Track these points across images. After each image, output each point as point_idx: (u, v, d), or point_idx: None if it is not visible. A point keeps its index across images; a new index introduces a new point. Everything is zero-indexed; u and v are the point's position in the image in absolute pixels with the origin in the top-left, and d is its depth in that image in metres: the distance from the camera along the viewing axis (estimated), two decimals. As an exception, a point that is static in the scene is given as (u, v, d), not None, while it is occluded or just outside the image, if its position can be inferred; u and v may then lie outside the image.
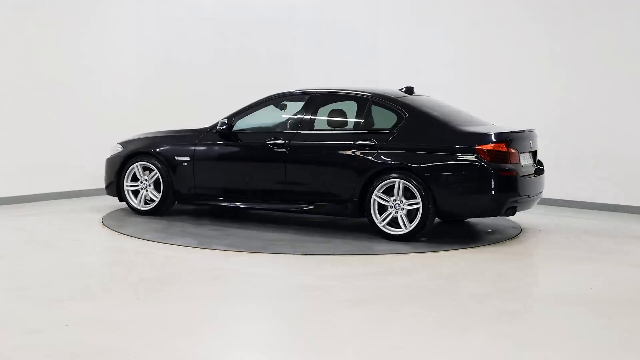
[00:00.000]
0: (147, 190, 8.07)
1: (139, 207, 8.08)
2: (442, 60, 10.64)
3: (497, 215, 6.98)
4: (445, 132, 6.88)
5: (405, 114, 7.06)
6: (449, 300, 4.93)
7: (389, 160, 6.87)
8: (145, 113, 10.50)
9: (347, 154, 7.07)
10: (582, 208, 9.37)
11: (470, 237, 7.22)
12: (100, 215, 7.99)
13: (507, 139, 6.79)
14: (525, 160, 7.04)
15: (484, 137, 6.77)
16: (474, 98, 10.40)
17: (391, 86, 10.79)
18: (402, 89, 7.85)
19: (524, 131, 7.24)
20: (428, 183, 6.67)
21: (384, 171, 6.85)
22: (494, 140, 6.74)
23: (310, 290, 5.12)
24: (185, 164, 7.89)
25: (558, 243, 7.13)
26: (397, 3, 11.14)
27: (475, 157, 6.65)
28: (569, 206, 9.51)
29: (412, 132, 6.96)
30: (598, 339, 4.16)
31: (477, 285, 5.36)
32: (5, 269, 5.57)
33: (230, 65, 11.10)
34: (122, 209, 8.56)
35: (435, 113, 7.18)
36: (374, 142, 6.96)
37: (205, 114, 10.60)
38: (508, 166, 6.71)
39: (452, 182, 6.75)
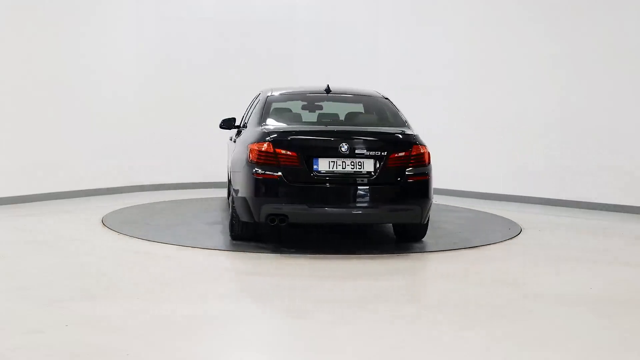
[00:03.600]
0: None
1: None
2: (442, 60, 10.65)
3: (258, 222, 6.17)
4: (251, 131, 6.53)
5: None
6: (448, 300, 4.93)
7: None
8: (145, 113, 10.51)
9: None
10: (582, 208, 9.37)
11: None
12: (100, 215, 7.98)
13: (276, 138, 6.12)
14: (342, 167, 6.08)
15: (258, 136, 6.24)
16: (474, 98, 10.42)
17: (390, 85, 10.87)
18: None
19: (332, 132, 6.37)
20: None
21: None
22: (260, 139, 6.16)
23: (310, 290, 5.12)
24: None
25: (558, 243, 7.13)
26: (397, 3, 11.15)
27: (247, 156, 6.24)
28: (569, 206, 9.51)
29: (246, 131, 6.79)
30: (598, 339, 4.15)
31: (476, 285, 5.36)
32: (5, 269, 5.57)
33: (230, 65, 11.11)
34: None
35: (266, 112, 6.73)
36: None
37: (205, 114, 10.62)
38: (272, 169, 6.02)
39: (237, 182, 6.41)
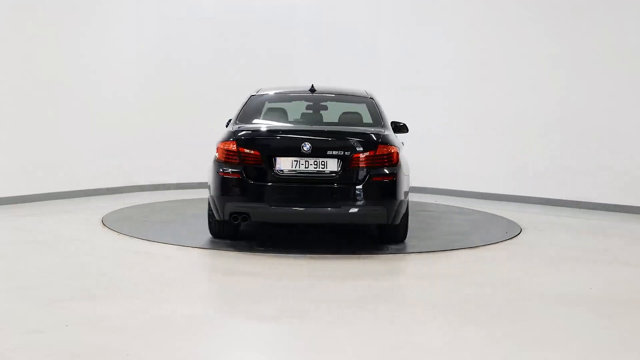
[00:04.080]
0: None
1: None
2: (442, 60, 10.65)
3: (222, 219, 6.35)
4: (227, 130, 6.62)
5: None
6: (448, 299, 4.93)
7: None
8: (145, 113, 10.51)
9: None
10: (582, 208, 9.37)
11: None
12: (100, 215, 7.98)
13: (240, 137, 6.26)
14: (304, 166, 6.10)
15: (226, 135, 6.40)
16: (474, 98, 10.42)
17: (390, 85, 10.88)
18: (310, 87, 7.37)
19: (295, 131, 6.51)
20: None
21: None
22: (226, 138, 6.33)
23: (310, 290, 5.12)
24: None
25: (558, 243, 7.13)
26: (397, 3, 11.15)
27: (215, 155, 6.43)
28: (569, 206, 9.51)
29: None
30: (598, 339, 4.15)
31: (477, 285, 5.35)
32: (5, 269, 5.57)
33: (230, 65, 11.11)
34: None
35: (244, 111, 6.86)
36: None
37: (205, 114, 10.63)
38: (235, 167, 6.17)
39: (209, 180, 6.54)
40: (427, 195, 10.56)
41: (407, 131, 8.00)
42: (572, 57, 9.46)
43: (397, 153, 6.30)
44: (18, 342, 3.85)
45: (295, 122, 7.27)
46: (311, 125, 6.77)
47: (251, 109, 6.95)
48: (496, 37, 10.16)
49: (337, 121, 7.09)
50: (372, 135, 6.35)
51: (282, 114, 7.16)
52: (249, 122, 6.69)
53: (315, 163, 6.11)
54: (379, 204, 6.19)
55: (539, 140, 9.81)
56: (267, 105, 7.23)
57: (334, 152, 6.12)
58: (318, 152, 6.11)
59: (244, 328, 4.27)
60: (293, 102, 7.56)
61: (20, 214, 8.14)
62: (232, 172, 6.18)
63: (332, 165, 6.11)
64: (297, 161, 6.12)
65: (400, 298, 5.00)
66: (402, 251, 6.42)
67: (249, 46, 11.24)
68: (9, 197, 8.73)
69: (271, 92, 7.36)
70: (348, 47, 11.36)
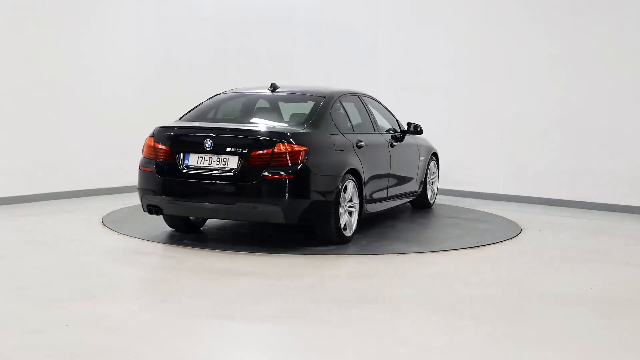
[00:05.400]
0: None
1: None
2: (442, 60, 10.65)
3: (144, 211, 6.72)
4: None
5: None
6: (448, 300, 4.93)
7: None
8: (145, 113, 10.49)
9: None
10: (582, 208, 9.37)
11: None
12: (100, 215, 7.98)
13: (157, 133, 6.58)
14: (208, 163, 6.24)
15: (151, 132, 6.68)
16: (474, 98, 10.41)
17: (390, 85, 10.87)
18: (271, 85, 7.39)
19: (199, 129, 6.55)
20: None
21: None
22: (150, 134, 6.63)
23: (310, 290, 5.12)
24: None
25: (558, 243, 7.13)
26: (397, 3, 11.14)
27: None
28: (569, 206, 9.51)
29: None
30: (598, 339, 4.16)
31: (476, 285, 5.36)
32: (5, 269, 5.57)
33: (230, 65, 11.11)
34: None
35: (195, 110, 7.14)
36: None
37: (205, 114, 10.58)
38: (150, 163, 6.51)
39: None
40: (427, 195, 10.56)
41: (422, 132, 8.19)
42: (572, 57, 9.46)
43: (300, 152, 6.13)
44: (18, 342, 3.86)
45: (225, 120, 7.10)
46: (215, 123, 6.82)
47: (204, 107, 7.17)
48: (496, 37, 10.16)
49: (263, 118, 6.98)
50: (274, 133, 6.26)
51: (231, 113, 7.16)
52: (188, 120, 6.94)
53: (218, 160, 6.25)
54: (274, 203, 6.13)
55: (539, 140, 9.81)
56: (223, 104, 7.26)
57: (234, 150, 6.21)
58: (219, 149, 6.25)
59: (244, 328, 4.27)
60: (252, 101, 7.39)
61: (20, 214, 8.14)
62: (148, 166, 6.51)
63: (233, 162, 6.20)
64: (201, 157, 6.31)
65: (400, 298, 5.00)
66: (401, 251, 6.42)
67: (249, 46, 11.23)
68: (9, 197, 8.72)
69: (232, 92, 7.50)
70: (348, 47, 11.36)
